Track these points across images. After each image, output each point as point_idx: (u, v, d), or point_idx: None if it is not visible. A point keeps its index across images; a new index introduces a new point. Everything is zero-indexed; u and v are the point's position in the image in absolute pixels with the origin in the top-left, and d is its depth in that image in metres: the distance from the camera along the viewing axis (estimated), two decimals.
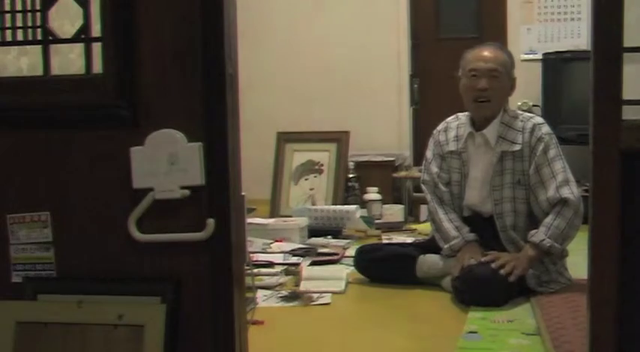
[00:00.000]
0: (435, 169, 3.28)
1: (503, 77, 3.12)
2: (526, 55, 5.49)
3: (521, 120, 3.14)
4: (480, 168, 3.19)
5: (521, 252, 3.03)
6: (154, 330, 1.52)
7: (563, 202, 3.00)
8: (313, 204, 4.91)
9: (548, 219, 3.00)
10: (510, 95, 3.25)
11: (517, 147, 3.09)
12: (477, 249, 3.09)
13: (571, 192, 3.01)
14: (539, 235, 2.99)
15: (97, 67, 1.58)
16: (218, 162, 1.53)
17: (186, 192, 1.53)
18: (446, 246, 3.17)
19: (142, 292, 1.56)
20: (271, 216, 4.80)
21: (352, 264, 3.48)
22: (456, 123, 3.29)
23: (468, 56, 3.18)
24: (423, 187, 3.34)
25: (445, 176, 3.26)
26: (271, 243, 3.98)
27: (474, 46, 3.23)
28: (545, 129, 3.11)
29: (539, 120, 3.19)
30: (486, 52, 3.15)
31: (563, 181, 3.02)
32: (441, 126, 3.34)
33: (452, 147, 3.25)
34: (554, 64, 5.06)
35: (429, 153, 3.34)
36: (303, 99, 5.86)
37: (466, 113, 3.25)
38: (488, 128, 3.16)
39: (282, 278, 3.36)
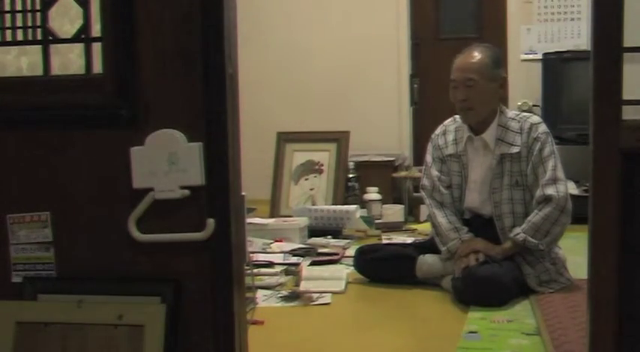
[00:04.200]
0: (435, 173, 3.28)
1: (479, 84, 3.09)
2: (526, 55, 5.49)
3: (518, 121, 3.14)
4: (479, 170, 3.19)
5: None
6: (154, 330, 1.52)
7: (546, 199, 3.01)
8: (313, 204, 4.91)
9: (529, 216, 3.04)
10: (501, 95, 3.20)
11: (516, 149, 3.09)
12: (478, 241, 3.10)
13: (556, 190, 3.01)
14: (515, 229, 3.05)
15: (97, 67, 1.58)
16: (218, 162, 1.53)
17: (186, 192, 1.53)
18: (444, 249, 3.18)
19: (142, 292, 1.56)
20: (271, 216, 4.80)
21: (352, 264, 3.48)
22: (454, 126, 3.28)
23: (454, 63, 3.17)
24: (422, 192, 3.35)
25: (446, 179, 3.26)
26: (271, 243, 3.98)
27: (463, 50, 3.20)
28: (542, 128, 3.11)
29: (536, 119, 3.18)
30: (465, 60, 3.14)
31: (549, 180, 3.02)
32: (439, 130, 3.34)
33: (451, 150, 3.25)
34: (554, 64, 5.06)
35: (428, 157, 3.34)
36: (303, 99, 5.87)
37: None
38: (486, 132, 3.15)
39: (282, 278, 3.36)
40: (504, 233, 3.12)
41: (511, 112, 3.23)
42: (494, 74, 3.14)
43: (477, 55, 3.14)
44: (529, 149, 3.08)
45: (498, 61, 3.20)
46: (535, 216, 3.02)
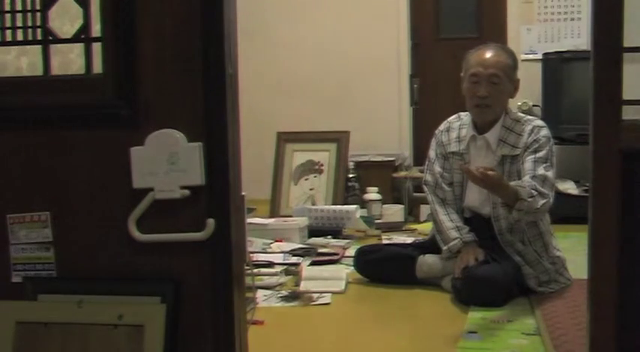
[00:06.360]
0: (438, 169, 3.27)
1: (503, 82, 3.09)
2: (526, 55, 5.48)
3: (523, 124, 3.12)
4: None
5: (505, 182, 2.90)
6: (154, 330, 1.52)
7: (542, 195, 2.91)
8: (313, 204, 4.90)
9: (532, 189, 2.90)
10: (513, 97, 3.22)
11: (518, 152, 3.07)
12: (477, 250, 3.08)
13: (552, 194, 2.97)
14: (525, 190, 2.88)
15: (97, 67, 1.58)
16: (218, 162, 1.53)
17: (186, 192, 1.53)
18: (445, 248, 3.17)
19: (142, 292, 1.56)
20: (271, 216, 4.79)
21: (352, 264, 3.48)
22: (458, 124, 3.26)
23: (470, 59, 3.14)
24: (425, 188, 3.33)
25: (448, 176, 3.25)
26: (271, 243, 3.98)
27: (477, 47, 3.18)
28: (544, 132, 3.08)
29: (540, 123, 3.16)
30: (488, 56, 3.10)
31: (541, 176, 2.95)
32: (443, 126, 3.32)
33: (454, 148, 3.24)
34: (554, 64, 5.06)
35: (431, 153, 3.32)
36: (303, 99, 5.87)
37: (468, 113, 3.23)
38: (490, 131, 3.14)
39: (282, 278, 3.36)
40: (502, 234, 3.11)
41: (516, 114, 3.21)
42: (513, 76, 3.14)
43: (501, 54, 3.13)
44: (526, 148, 3.06)
45: (517, 64, 3.18)
46: (535, 197, 2.89)
